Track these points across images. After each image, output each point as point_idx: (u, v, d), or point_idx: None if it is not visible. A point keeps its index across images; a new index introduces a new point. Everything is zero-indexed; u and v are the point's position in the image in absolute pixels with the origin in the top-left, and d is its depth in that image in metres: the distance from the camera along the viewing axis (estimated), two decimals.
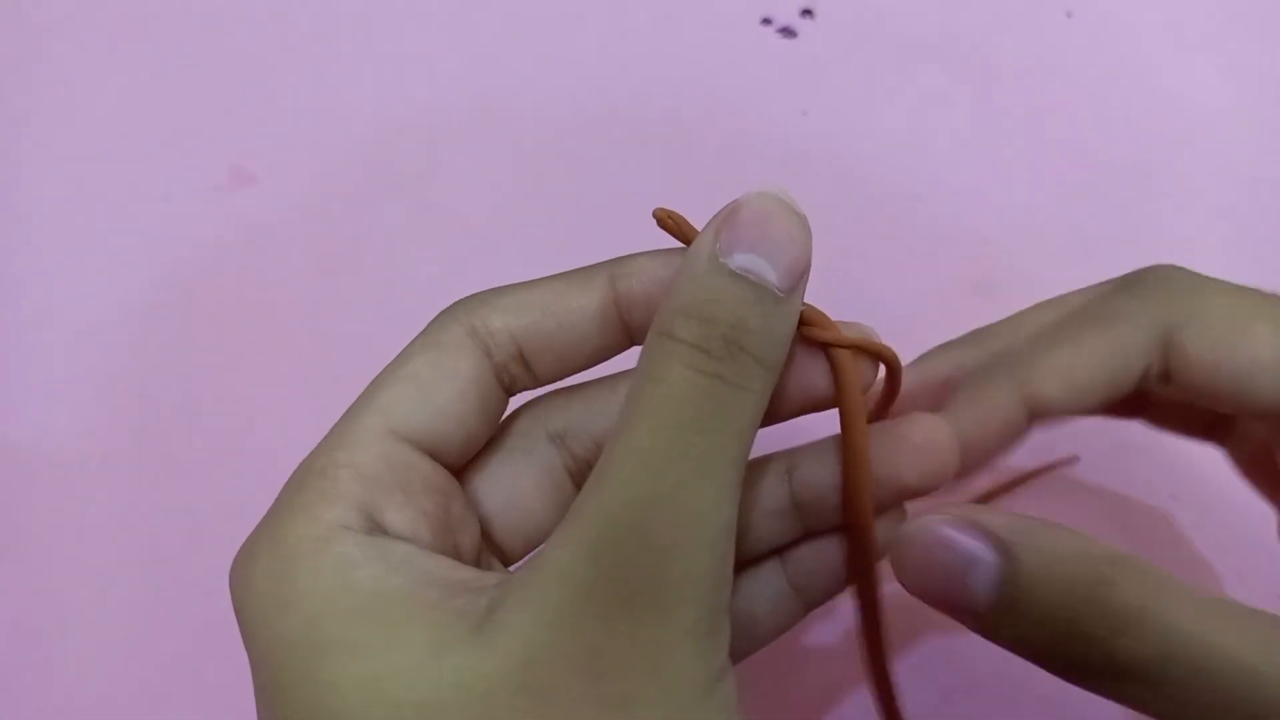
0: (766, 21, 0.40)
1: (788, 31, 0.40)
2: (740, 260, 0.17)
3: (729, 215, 0.18)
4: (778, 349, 0.18)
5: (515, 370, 0.20)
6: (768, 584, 0.23)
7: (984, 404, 0.22)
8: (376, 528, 0.18)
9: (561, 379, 0.21)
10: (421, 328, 0.21)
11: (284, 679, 0.17)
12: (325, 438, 0.19)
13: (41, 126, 0.39)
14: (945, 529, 0.19)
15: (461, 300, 0.21)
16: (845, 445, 0.20)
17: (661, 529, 0.16)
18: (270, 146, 0.38)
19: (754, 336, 0.17)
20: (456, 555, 0.20)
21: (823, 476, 0.21)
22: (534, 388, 0.21)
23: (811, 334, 0.20)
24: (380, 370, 0.20)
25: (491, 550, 0.21)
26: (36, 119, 0.39)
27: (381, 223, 0.37)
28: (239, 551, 0.19)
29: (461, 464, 0.21)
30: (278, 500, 0.19)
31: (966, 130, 0.38)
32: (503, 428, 0.22)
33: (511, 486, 0.21)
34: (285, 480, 0.20)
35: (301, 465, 0.19)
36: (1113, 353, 0.21)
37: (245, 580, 0.18)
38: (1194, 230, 0.36)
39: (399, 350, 0.21)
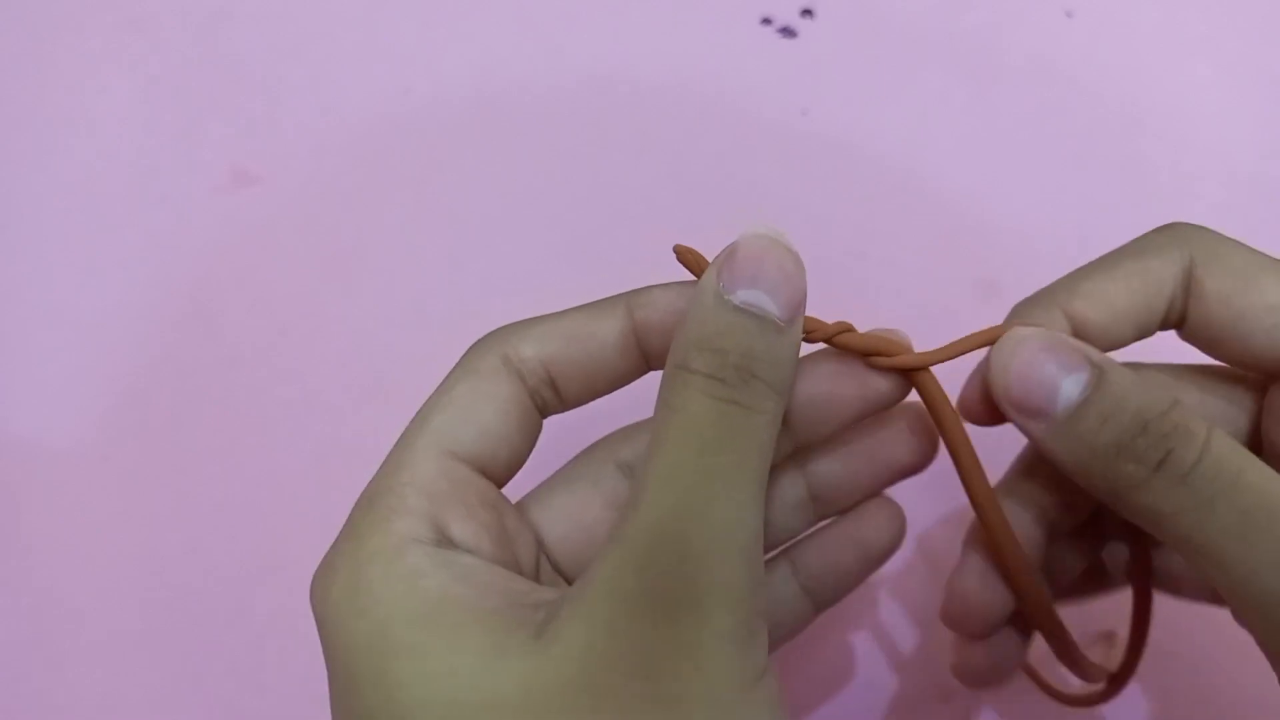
0: (766, 21, 0.40)
1: (788, 31, 0.40)
2: (743, 296, 0.19)
3: (729, 255, 0.19)
4: (785, 373, 0.20)
5: (546, 394, 0.22)
6: (781, 587, 0.25)
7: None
8: (444, 539, 0.20)
9: (587, 402, 0.23)
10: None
11: (358, 680, 0.19)
12: (385, 462, 0.21)
13: (41, 127, 0.39)
14: (1049, 340, 0.21)
15: (494, 331, 0.22)
16: (958, 462, 0.23)
17: (696, 540, 0.18)
18: (271, 146, 0.38)
19: (762, 363, 0.19)
20: (516, 566, 0.21)
21: (836, 468, 0.24)
22: (563, 411, 0.23)
23: (891, 364, 0.22)
24: (424, 396, 0.22)
25: (558, 572, 0.23)
26: (36, 119, 0.39)
27: (381, 222, 0.37)
28: (318, 568, 0.20)
29: (508, 479, 0.23)
30: (349, 520, 0.21)
31: (967, 130, 0.38)
32: (576, 458, 0.24)
33: (579, 512, 0.23)
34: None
35: (368, 487, 0.21)
36: (1146, 280, 0.23)
37: (324, 591, 0.20)
38: None
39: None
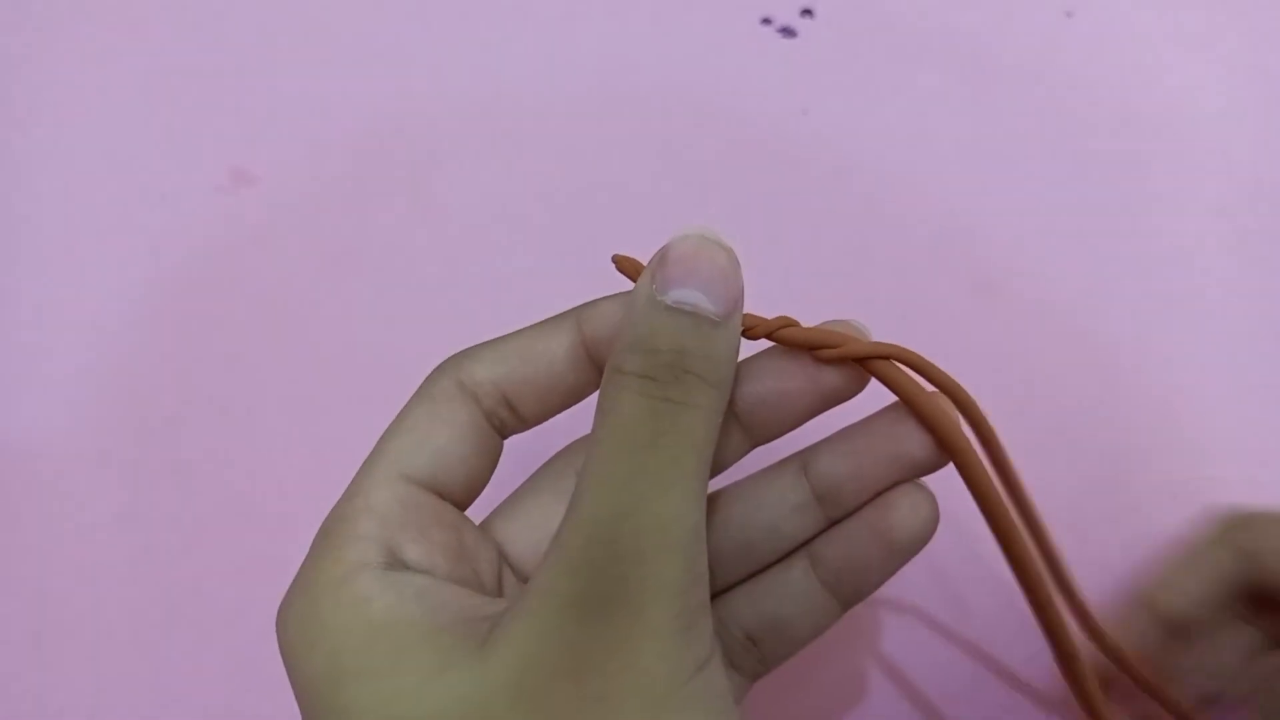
0: (766, 21, 0.40)
1: (788, 31, 0.40)
2: (675, 295, 0.19)
3: (660, 258, 0.20)
4: (721, 367, 0.20)
5: (504, 415, 0.23)
6: (798, 585, 0.24)
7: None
8: (397, 562, 0.20)
9: (546, 419, 0.23)
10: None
11: (313, 710, 0.19)
12: (345, 490, 0.22)
13: (41, 127, 0.39)
14: None
15: (450, 357, 0.23)
16: (978, 496, 0.22)
17: (628, 540, 0.18)
18: (270, 146, 0.38)
19: (695, 358, 0.19)
20: (477, 582, 0.22)
21: (837, 465, 0.23)
22: (524, 429, 0.23)
23: (835, 355, 0.21)
24: (385, 422, 0.23)
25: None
26: (36, 119, 0.39)
27: (381, 222, 0.37)
28: (282, 600, 0.21)
29: (469, 499, 0.23)
30: (309, 549, 0.21)
31: (967, 130, 0.38)
32: (538, 471, 0.24)
33: (543, 523, 0.23)
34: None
35: (328, 516, 0.21)
36: (1217, 577, 0.27)
37: (283, 624, 0.20)
38: (1194, 230, 0.36)
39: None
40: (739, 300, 0.20)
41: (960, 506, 0.23)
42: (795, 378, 0.22)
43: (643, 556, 0.18)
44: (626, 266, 0.22)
